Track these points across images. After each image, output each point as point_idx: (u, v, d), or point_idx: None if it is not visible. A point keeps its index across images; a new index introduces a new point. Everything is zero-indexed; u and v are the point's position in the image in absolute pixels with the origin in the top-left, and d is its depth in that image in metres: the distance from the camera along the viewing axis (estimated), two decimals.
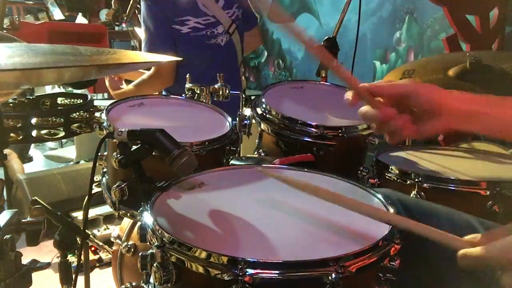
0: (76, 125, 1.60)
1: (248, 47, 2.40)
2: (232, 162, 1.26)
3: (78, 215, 2.77)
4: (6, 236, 0.85)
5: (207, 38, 2.12)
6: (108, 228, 2.81)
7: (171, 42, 2.09)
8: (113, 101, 1.36)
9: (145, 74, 2.19)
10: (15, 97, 1.58)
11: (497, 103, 0.83)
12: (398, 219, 0.76)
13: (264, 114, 1.37)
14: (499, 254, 0.63)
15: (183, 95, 1.51)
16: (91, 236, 1.68)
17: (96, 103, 1.73)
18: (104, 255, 2.58)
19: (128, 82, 2.31)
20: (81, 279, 1.32)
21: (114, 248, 1.52)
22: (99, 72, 0.88)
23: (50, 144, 5.02)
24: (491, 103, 0.83)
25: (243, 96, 1.50)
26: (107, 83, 2.30)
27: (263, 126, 1.38)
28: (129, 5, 2.60)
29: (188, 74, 1.57)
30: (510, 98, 0.83)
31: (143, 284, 0.90)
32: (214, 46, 2.13)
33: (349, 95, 0.88)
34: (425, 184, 1.21)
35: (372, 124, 0.89)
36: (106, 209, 2.78)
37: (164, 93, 2.24)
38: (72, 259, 1.32)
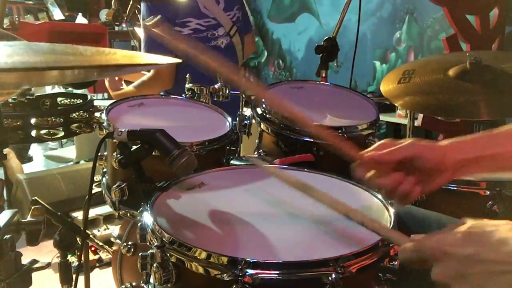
0: (76, 125, 1.60)
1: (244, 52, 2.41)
2: (232, 162, 1.25)
3: (78, 215, 2.77)
4: (6, 236, 0.85)
5: (208, 40, 2.11)
6: (108, 228, 2.81)
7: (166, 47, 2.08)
8: (113, 101, 1.36)
9: (145, 76, 2.19)
10: (15, 97, 1.57)
11: (496, 142, 0.85)
12: (354, 213, 0.80)
13: (264, 114, 1.37)
14: (433, 247, 0.65)
15: (183, 95, 1.51)
16: (91, 236, 1.67)
17: (96, 103, 1.73)
18: (104, 255, 2.58)
19: (128, 83, 2.30)
20: (81, 279, 1.32)
21: (114, 248, 1.52)
22: (101, 73, 0.88)
23: (50, 144, 5.02)
24: (491, 143, 0.85)
25: (243, 96, 1.50)
26: (107, 83, 2.29)
27: (263, 126, 1.38)
28: (129, 5, 2.60)
29: (188, 75, 1.57)
30: (506, 131, 0.86)
31: (143, 284, 0.90)
32: (215, 48, 2.13)
33: (357, 169, 0.89)
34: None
35: (381, 190, 0.92)
36: (106, 209, 2.78)
37: (162, 93, 2.24)
38: (72, 259, 1.32)
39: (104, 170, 1.31)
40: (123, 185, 1.15)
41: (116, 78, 2.26)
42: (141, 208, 0.90)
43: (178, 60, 0.93)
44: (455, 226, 0.66)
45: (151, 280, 0.84)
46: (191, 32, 2.07)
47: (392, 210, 0.88)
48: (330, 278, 0.69)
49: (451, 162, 0.83)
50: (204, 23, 2.08)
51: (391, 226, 0.82)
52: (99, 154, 1.19)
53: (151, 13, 2.04)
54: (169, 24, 2.00)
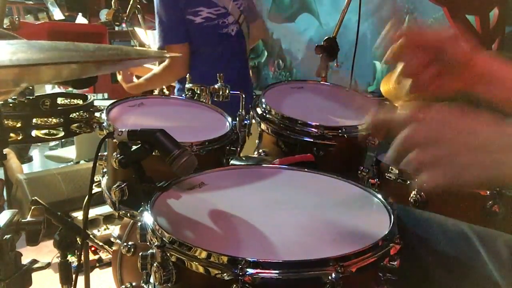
0: (75, 125, 1.60)
1: (252, 38, 2.45)
2: (232, 162, 1.26)
3: (78, 215, 2.77)
4: (6, 236, 0.85)
5: (219, 28, 2.19)
6: (108, 228, 2.81)
7: (184, 33, 2.14)
8: (113, 101, 1.36)
9: (158, 67, 2.22)
10: (15, 97, 1.58)
11: None
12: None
13: (264, 114, 1.37)
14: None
15: (183, 95, 1.51)
16: (91, 236, 1.67)
17: (96, 103, 1.73)
18: (104, 255, 2.58)
19: (139, 78, 2.34)
20: (81, 279, 1.32)
21: (114, 248, 1.52)
22: (99, 68, 0.88)
23: (50, 144, 5.02)
24: None
25: (243, 96, 1.50)
26: (119, 77, 2.34)
27: (263, 126, 1.38)
28: (129, 5, 2.60)
29: (188, 75, 1.57)
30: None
31: (143, 284, 0.90)
32: (226, 35, 2.21)
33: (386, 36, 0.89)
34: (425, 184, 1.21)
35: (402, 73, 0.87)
36: (106, 209, 2.78)
37: (177, 85, 2.27)
38: (72, 259, 1.32)
39: (104, 170, 1.31)
40: (123, 185, 1.15)
41: (129, 72, 2.32)
42: (141, 208, 0.90)
43: (176, 55, 0.94)
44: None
45: (151, 280, 0.84)
46: (203, 21, 2.14)
47: (392, 210, 0.88)
48: (330, 277, 0.69)
49: (477, 69, 0.80)
50: (215, 11, 2.16)
51: (390, 226, 0.82)
52: (99, 154, 1.19)
53: (163, 4, 2.11)
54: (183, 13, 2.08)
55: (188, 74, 1.57)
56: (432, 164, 0.61)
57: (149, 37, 2.88)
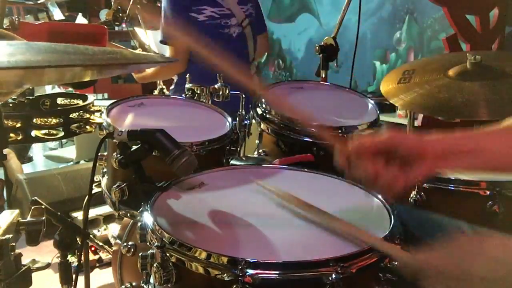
0: (75, 125, 1.60)
1: (258, 51, 2.48)
2: (232, 162, 1.25)
3: (78, 215, 2.77)
4: (6, 236, 0.85)
5: (221, 27, 2.22)
6: (108, 228, 2.81)
7: (186, 29, 2.16)
8: (113, 101, 1.36)
9: None
10: (15, 97, 1.57)
11: (479, 138, 0.86)
12: (367, 237, 0.78)
13: (264, 114, 1.37)
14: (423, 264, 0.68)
15: (183, 95, 1.51)
16: (91, 236, 1.67)
17: (96, 103, 1.73)
18: (104, 255, 2.58)
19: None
20: (81, 279, 1.32)
21: (114, 248, 1.52)
22: (100, 72, 0.89)
23: (50, 144, 5.02)
24: (473, 139, 0.86)
25: (243, 96, 1.50)
26: None
27: (263, 126, 1.38)
28: (129, 5, 2.60)
29: (188, 75, 1.57)
30: (488, 130, 0.86)
31: (143, 284, 0.90)
32: (227, 35, 2.24)
33: (339, 160, 0.90)
34: (425, 184, 1.21)
35: (364, 183, 0.91)
36: (106, 209, 2.78)
37: (176, 79, 2.31)
38: (72, 259, 1.31)
39: (104, 170, 1.31)
40: (123, 185, 1.15)
41: None
42: (141, 208, 0.90)
43: (176, 60, 0.94)
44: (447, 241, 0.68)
45: (151, 280, 0.84)
46: (206, 19, 2.19)
47: (392, 210, 0.88)
48: (330, 278, 0.69)
49: (431, 151, 0.84)
50: (219, 11, 2.20)
51: (391, 226, 0.82)
52: (99, 154, 1.19)
53: (171, 0, 2.18)
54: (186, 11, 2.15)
55: (188, 74, 1.57)
56: None
57: (149, 37, 2.88)
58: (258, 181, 0.97)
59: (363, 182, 0.91)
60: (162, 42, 2.23)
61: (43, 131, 1.53)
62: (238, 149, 1.34)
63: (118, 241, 1.46)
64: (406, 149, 0.84)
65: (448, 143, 0.85)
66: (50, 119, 1.55)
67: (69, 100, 1.78)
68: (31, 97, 1.68)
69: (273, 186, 0.95)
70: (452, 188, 1.19)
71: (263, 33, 2.49)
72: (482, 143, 0.84)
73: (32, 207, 0.94)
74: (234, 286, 0.69)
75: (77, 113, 1.62)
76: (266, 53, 2.69)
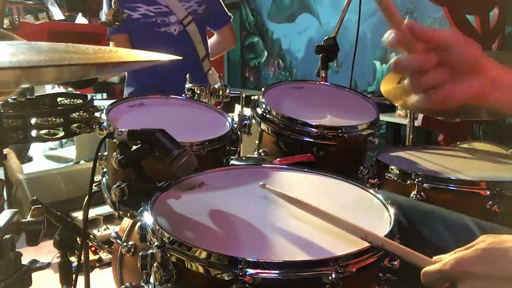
0: (76, 125, 1.60)
1: (217, 47, 2.44)
2: (232, 162, 1.26)
3: (78, 215, 2.77)
4: (6, 236, 0.85)
5: (157, 26, 2.18)
6: (108, 228, 2.82)
7: (123, 25, 2.15)
8: (113, 101, 1.36)
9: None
10: (15, 97, 1.57)
11: None
12: (373, 237, 0.75)
13: (264, 114, 1.37)
14: (453, 268, 0.64)
15: (183, 95, 1.51)
16: (91, 236, 1.67)
17: (96, 103, 1.73)
18: (104, 255, 2.58)
19: None
20: (81, 279, 1.32)
21: (114, 248, 1.52)
22: (100, 70, 0.88)
23: (50, 144, 5.02)
24: None
25: (243, 96, 1.50)
26: None
27: (263, 126, 1.38)
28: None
29: (188, 75, 1.57)
30: None
31: (143, 284, 0.90)
32: (165, 34, 2.19)
33: (390, 34, 0.72)
34: (425, 184, 1.21)
35: (405, 80, 0.76)
36: (106, 209, 2.78)
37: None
38: (72, 259, 1.32)
39: (104, 170, 1.31)
40: (123, 185, 1.15)
41: None
42: (141, 208, 0.90)
43: (178, 57, 0.93)
44: (475, 243, 0.65)
45: (151, 280, 0.84)
46: (140, 17, 2.16)
47: (392, 210, 0.88)
48: (330, 278, 0.69)
49: (486, 71, 0.74)
50: (154, 9, 2.16)
51: (390, 227, 0.82)
52: (99, 154, 1.19)
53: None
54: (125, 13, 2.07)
55: (188, 74, 1.57)
56: None
57: None
58: (265, 185, 0.95)
59: (407, 70, 0.74)
60: (108, 38, 2.24)
61: (43, 131, 1.53)
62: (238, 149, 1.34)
63: (118, 241, 1.46)
64: (464, 53, 0.72)
65: (504, 72, 0.77)
66: (50, 119, 1.55)
67: (69, 100, 1.77)
68: (31, 97, 1.68)
69: (279, 190, 0.93)
70: (452, 188, 1.20)
71: (225, 25, 2.42)
72: None
73: (32, 207, 0.94)
74: (234, 285, 0.69)
75: (77, 113, 1.61)
76: (233, 46, 2.62)
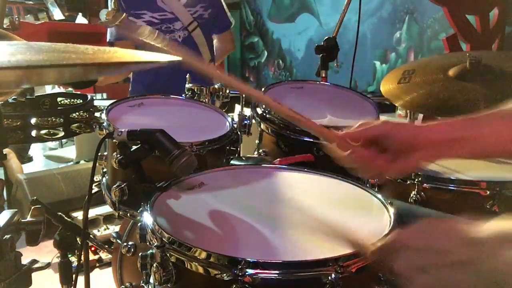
0: (76, 125, 1.60)
1: (218, 51, 2.44)
2: (232, 162, 1.25)
3: (78, 215, 2.77)
4: (6, 236, 0.85)
5: (162, 33, 2.17)
6: (108, 228, 2.82)
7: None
8: (113, 101, 1.36)
9: None
10: (15, 97, 1.57)
11: (473, 125, 0.84)
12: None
13: (264, 114, 1.37)
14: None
15: (183, 95, 1.51)
16: (91, 236, 1.67)
17: (96, 103, 1.73)
18: (104, 255, 2.58)
19: None
20: (81, 279, 1.32)
21: (114, 248, 1.52)
22: (101, 71, 0.88)
23: (50, 144, 5.02)
24: (467, 126, 0.84)
25: (243, 96, 1.50)
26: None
27: (263, 126, 1.38)
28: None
29: (188, 75, 1.57)
30: (485, 115, 0.84)
31: (143, 284, 0.90)
32: (171, 40, 2.17)
33: (331, 150, 0.91)
34: (425, 184, 1.21)
35: (355, 168, 0.91)
36: (106, 209, 2.78)
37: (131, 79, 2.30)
38: (72, 259, 1.32)
39: (104, 170, 1.31)
40: (123, 185, 1.15)
41: None
42: (141, 208, 0.90)
43: (179, 58, 0.93)
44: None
45: (151, 280, 0.84)
46: (144, 24, 2.14)
47: (392, 210, 0.88)
48: (329, 278, 0.69)
49: (427, 140, 0.83)
50: (159, 16, 2.14)
51: (390, 227, 0.82)
52: (99, 154, 1.19)
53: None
54: (127, 16, 2.08)
55: (188, 74, 1.57)
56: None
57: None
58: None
59: (357, 169, 0.90)
60: (108, 43, 2.22)
61: (43, 131, 1.53)
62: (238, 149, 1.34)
63: (118, 241, 1.46)
64: (396, 138, 0.84)
65: (443, 131, 0.84)
66: (50, 119, 1.55)
67: (69, 100, 1.77)
68: (31, 97, 1.68)
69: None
70: (452, 188, 1.20)
71: (226, 31, 2.42)
72: (478, 128, 0.83)
73: (32, 207, 0.94)
74: (234, 286, 0.69)
75: (77, 113, 1.61)
76: (232, 50, 2.61)
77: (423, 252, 0.63)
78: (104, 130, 1.20)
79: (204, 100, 1.48)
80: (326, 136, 0.91)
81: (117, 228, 1.55)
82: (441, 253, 0.62)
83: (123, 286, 1.39)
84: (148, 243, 0.82)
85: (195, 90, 1.49)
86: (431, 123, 0.86)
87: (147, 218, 0.84)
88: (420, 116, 2.87)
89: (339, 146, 0.89)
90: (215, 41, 2.44)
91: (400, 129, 0.85)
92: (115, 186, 1.16)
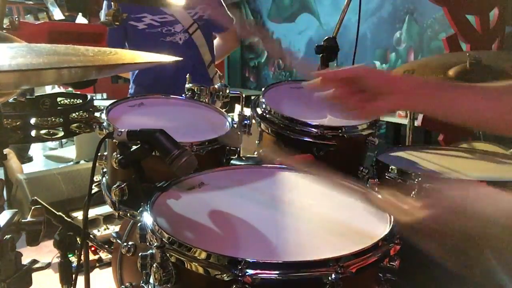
0: (75, 125, 1.60)
1: (221, 49, 2.43)
2: (232, 162, 1.25)
3: (78, 215, 2.77)
4: (6, 236, 0.85)
5: (163, 36, 2.17)
6: (108, 228, 2.81)
7: (121, 37, 2.19)
8: (113, 101, 1.36)
9: None
10: (15, 97, 1.57)
11: (448, 87, 0.89)
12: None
13: (264, 114, 1.37)
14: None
15: (183, 95, 1.51)
16: (91, 236, 1.67)
17: (96, 103, 1.73)
18: (104, 255, 2.58)
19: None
20: (81, 279, 1.32)
21: (114, 248, 1.52)
22: (100, 72, 0.89)
23: (50, 144, 5.02)
24: (443, 86, 0.89)
25: (243, 96, 1.50)
26: None
27: (263, 126, 1.38)
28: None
29: (188, 75, 1.57)
30: (465, 85, 0.89)
31: (143, 284, 0.90)
32: (171, 43, 2.18)
33: (309, 83, 0.96)
34: (425, 184, 1.21)
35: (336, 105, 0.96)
36: (106, 209, 2.78)
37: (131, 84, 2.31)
38: (72, 259, 1.32)
39: (104, 170, 1.30)
40: (123, 185, 1.15)
41: None
42: (141, 208, 0.90)
43: (179, 59, 0.94)
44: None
45: (151, 280, 0.84)
46: (145, 27, 2.14)
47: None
48: (330, 278, 0.69)
49: (400, 87, 0.88)
50: (159, 19, 2.14)
51: (391, 226, 0.82)
52: (99, 154, 1.19)
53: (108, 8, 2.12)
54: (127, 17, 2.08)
55: (188, 74, 1.57)
56: None
57: None
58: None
59: (337, 105, 0.95)
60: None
61: (43, 131, 1.53)
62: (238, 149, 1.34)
63: (118, 241, 1.46)
64: (371, 80, 0.89)
65: (417, 84, 0.89)
66: (50, 119, 1.55)
67: (69, 100, 1.77)
68: (31, 97, 1.68)
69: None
70: None
71: (229, 29, 2.41)
72: (454, 90, 0.87)
73: (32, 207, 0.94)
74: (234, 286, 0.69)
75: (77, 113, 1.61)
76: (236, 48, 2.61)
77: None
78: (104, 130, 1.20)
79: (204, 100, 1.48)
80: (311, 74, 0.96)
81: (117, 228, 1.55)
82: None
83: (123, 286, 1.39)
84: (148, 243, 0.82)
85: (195, 90, 1.49)
86: (407, 75, 0.91)
87: (147, 218, 0.84)
88: (420, 116, 2.87)
89: (322, 82, 0.93)
90: (217, 39, 2.44)
91: (375, 74, 0.91)
92: (115, 186, 1.15)
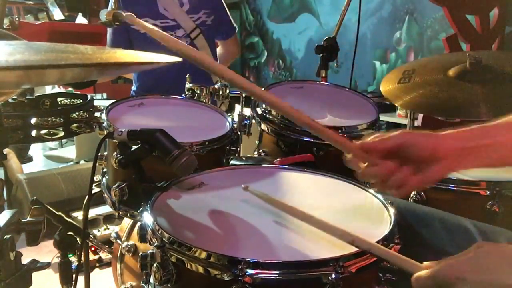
0: (76, 125, 1.60)
1: (224, 58, 2.42)
2: (232, 162, 1.26)
3: (78, 215, 2.77)
4: (6, 236, 0.85)
5: None
6: (108, 228, 2.82)
7: (124, 39, 2.18)
8: (113, 101, 1.36)
9: None
10: (15, 97, 1.57)
11: (488, 134, 0.81)
12: (361, 241, 0.73)
13: (264, 114, 1.38)
14: (445, 273, 0.63)
15: (183, 95, 1.51)
16: (91, 236, 1.67)
17: (96, 103, 1.73)
18: (104, 255, 2.58)
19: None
20: (81, 279, 1.32)
21: (114, 248, 1.52)
22: (101, 71, 0.89)
23: (50, 144, 5.02)
24: (482, 135, 0.81)
25: (243, 95, 1.50)
26: None
27: (263, 126, 1.38)
28: None
29: (188, 75, 1.57)
30: (496, 124, 0.82)
31: (143, 284, 0.90)
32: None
33: (349, 162, 0.86)
34: None
35: (374, 182, 0.86)
36: (106, 209, 2.78)
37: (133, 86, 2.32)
38: (72, 259, 1.32)
39: (104, 170, 1.31)
40: (123, 185, 1.15)
41: None
42: (141, 208, 0.90)
43: (179, 59, 0.93)
44: (468, 250, 0.65)
45: (151, 280, 0.84)
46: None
47: (392, 210, 0.88)
48: (330, 278, 0.69)
49: (448, 150, 0.79)
50: (161, 23, 2.12)
51: (391, 227, 0.82)
52: (99, 154, 1.19)
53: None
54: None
55: (188, 74, 1.57)
56: None
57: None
58: (249, 188, 0.92)
59: (375, 183, 0.85)
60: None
61: (43, 131, 1.53)
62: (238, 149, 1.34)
63: (118, 241, 1.46)
64: (419, 149, 0.79)
65: (466, 140, 0.80)
66: (50, 119, 1.55)
67: (69, 100, 1.77)
68: (31, 97, 1.68)
69: (262, 192, 0.90)
70: (452, 188, 1.19)
71: (231, 37, 2.40)
72: (500, 135, 0.79)
73: (32, 207, 0.94)
74: (234, 286, 0.69)
75: (77, 113, 1.61)
76: (237, 56, 2.59)
77: (481, 286, 0.61)
78: (104, 130, 1.20)
79: (204, 100, 1.48)
80: (342, 145, 0.86)
81: (117, 228, 1.55)
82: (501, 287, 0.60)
83: (123, 286, 1.39)
84: (148, 243, 0.82)
85: (195, 90, 1.49)
86: (451, 131, 0.82)
87: (147, 218, 0.84)
88: (420, 116, 2.87)
89: (356, 156, 0.84)
90: (219, 47, 2.43)
91: (420, 139, 0.81)
92: (115, 186, 1.16)
